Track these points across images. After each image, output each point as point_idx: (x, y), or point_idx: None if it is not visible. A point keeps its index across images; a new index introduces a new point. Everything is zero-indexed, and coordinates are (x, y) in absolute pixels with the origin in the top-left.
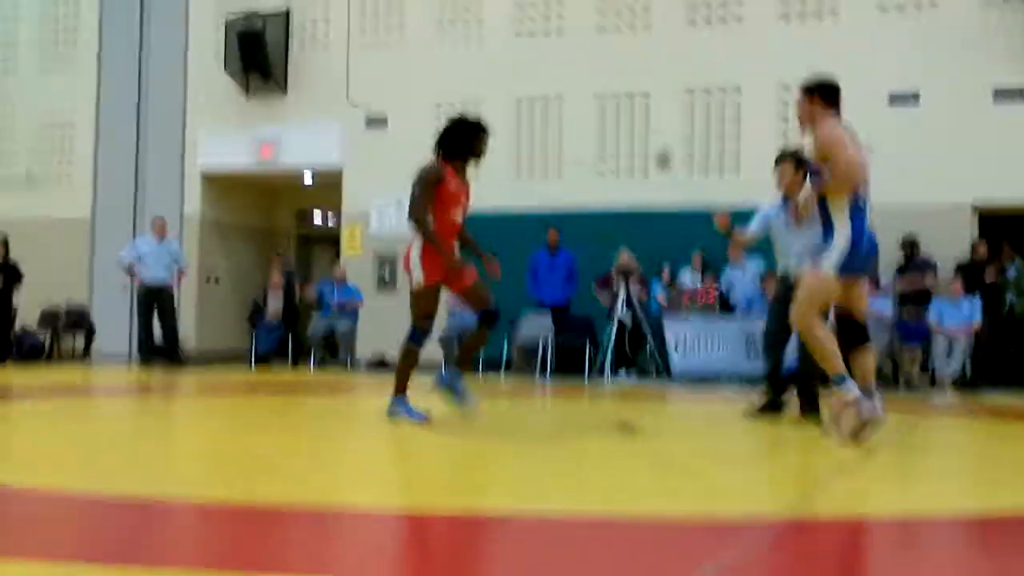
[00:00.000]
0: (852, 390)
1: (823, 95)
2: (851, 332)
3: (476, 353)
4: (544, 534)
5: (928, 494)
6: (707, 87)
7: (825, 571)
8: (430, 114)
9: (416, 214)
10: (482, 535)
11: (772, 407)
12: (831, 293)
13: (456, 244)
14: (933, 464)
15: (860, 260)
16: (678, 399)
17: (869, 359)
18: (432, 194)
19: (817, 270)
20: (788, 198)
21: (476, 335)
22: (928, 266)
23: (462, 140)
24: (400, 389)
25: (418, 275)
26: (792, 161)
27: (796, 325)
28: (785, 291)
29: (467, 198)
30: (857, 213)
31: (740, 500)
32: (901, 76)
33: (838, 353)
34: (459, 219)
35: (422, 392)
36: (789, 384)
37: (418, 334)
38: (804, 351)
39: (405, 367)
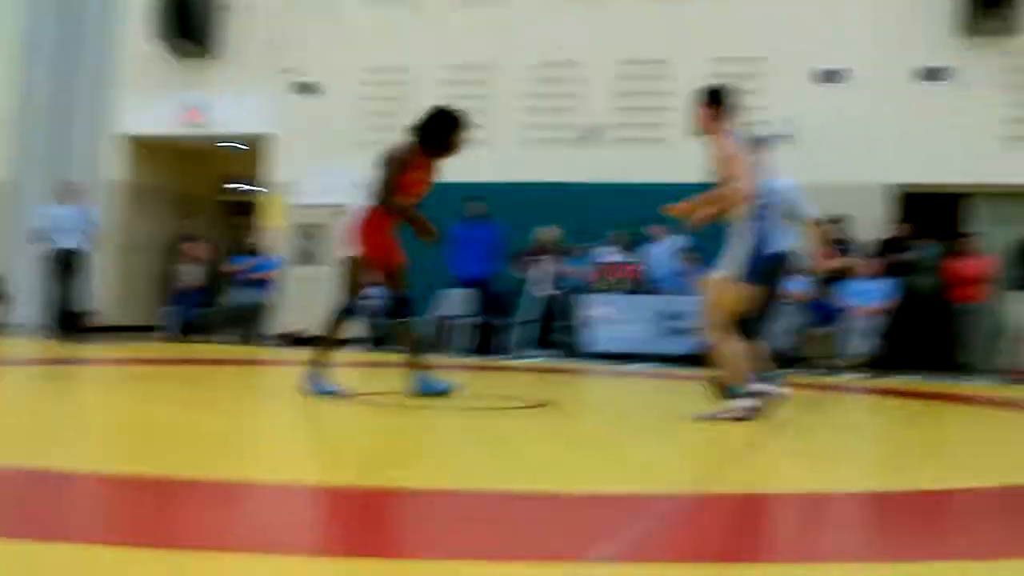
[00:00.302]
0: (747, 401)
1: (720, 103)
2: (745, 326)
3: (420, 345)
4: (456, 508)
5: (832, 471)
6: (638, 59)
7: (729, 541)
8: (363, 82)
9: (384, 196)
10: (398, 509)
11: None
12: (740, 298)
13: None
14: (840, 442)
15: (764, 265)
16: (596, 376)
17: (761, 350)
18: (399, 177)
19: (722, 278)
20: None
21: (404, 332)
22: (853, 246)
23: (439, 133)
24: (318, 362)
25: (353, 247)
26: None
27: (708, 334)
28: None
29: (428, 188)
30: (759, 219)
31: (652, 475)
32: (828, 53)
33: (747, 367)
34: (410, 204)
35: (351, 369)
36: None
37: (343, 308)
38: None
39: (326, 340)
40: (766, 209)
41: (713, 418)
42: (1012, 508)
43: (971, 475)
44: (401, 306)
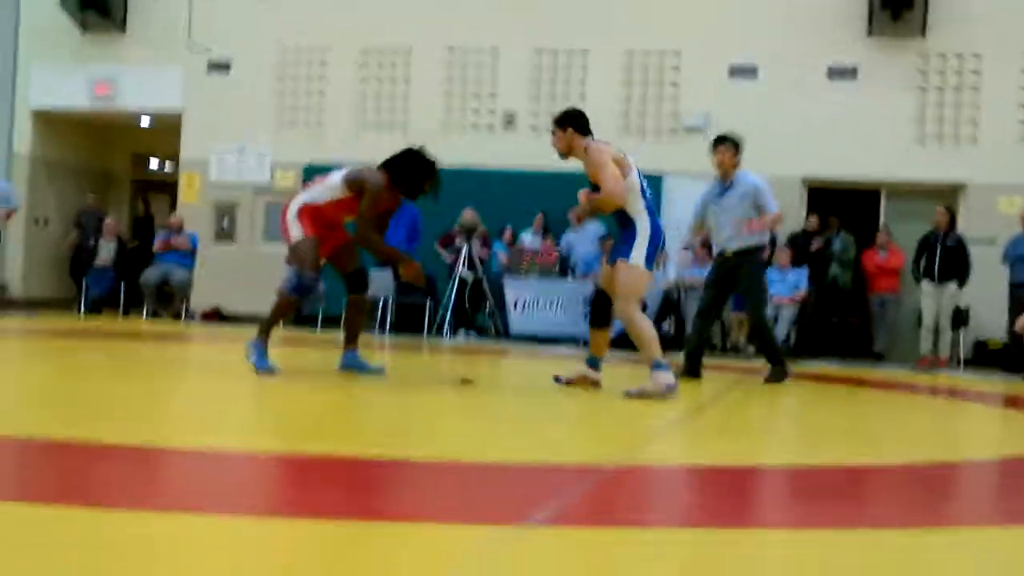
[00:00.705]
0: (670, 376)
1: (575, 125)
2: (603, 312)
3: (361, 326)
4: (396, 475)
5: (749, 447)
6: (554, 48)
7: (655, 507)
8: (274, 59)
9: (365, 232)
10: (333, 476)
11: (691, 373)
12: (646, 282)
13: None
14: (755, 421)
15: (657, 251)
16: (516, 357)
17: (607, 336)
18: (374, 212)
19: (631, 264)
20: (724, 179)
21: (353, 307)
22: (770, 237)
23: (413, 177)
24: (264, 331)
25: (296, 231)
26: (731, 144)
27: (620, 317)
28: (720, 267)
29: (388, 216)
30: (651, 213)
31: (576, 450)
32: (741, 49)
33: (658, 340)
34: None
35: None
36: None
37: (299, 284)
38: (756, 325)
39: (277, 313)
40: (654, 203)
41: (642, 394)
42: (919, 481)
43: (881, 452)
44: (356, 280)
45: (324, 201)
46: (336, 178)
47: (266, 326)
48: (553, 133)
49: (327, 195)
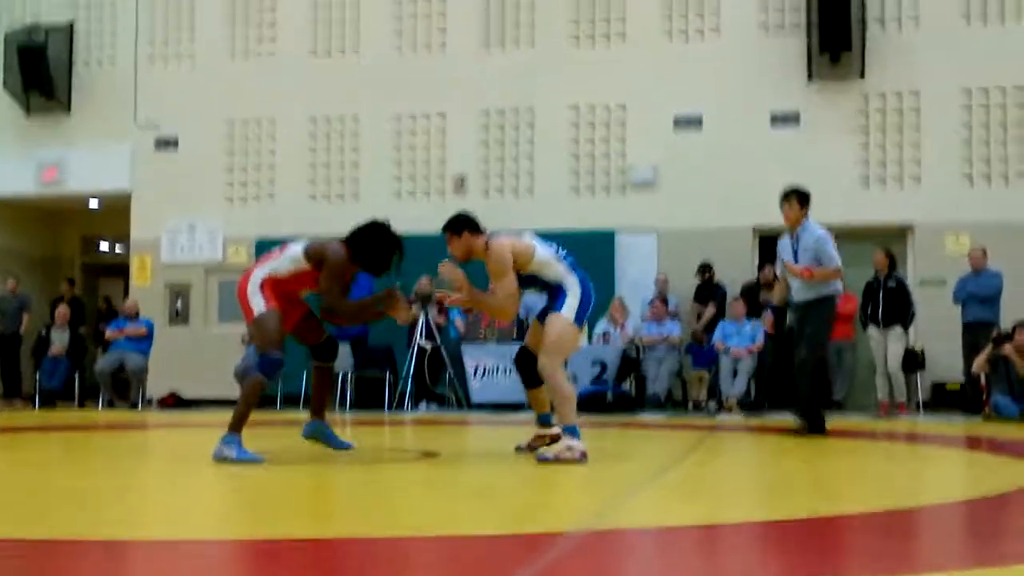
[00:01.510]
0: (580, 443)
1: (470, 228)
2: (531, 371)
3: (327, 395)
4: (364, 555)
5: (714, 504)
6: (501, 108)
7: (624, 574)
8: (222, 133)
9: (333, 303)
10: (303, 560)
11: (817, 428)
12: (575, 339)
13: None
14: (719, 478)
15: (587, 311)
16: (477, 426)
17: (544, 394)
18: (340, 283)
19: (563, 316)
20: (792, 233)
21: (319, 376)
22: (719, 291)
23: (378, 254)
24: (235, 426)
25: (258, 303)
26: (797, 196)
27: (542, 371)
28: (799, 320)
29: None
30: (575, 271)
31: (542, 518)
32: (685, 100)
33: (575, 403)
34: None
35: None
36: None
37: (266, 363)
38: (816, 377)
39: (248, 402)
40: (575, 263)
41: (557, 459)
42: (890, 530)
43: (847, 503)
44: (324, 350)
45: (286, 272)
46: (296, 249)
47: (237, 420)
48: (448, 241)
49: (290, 266)
